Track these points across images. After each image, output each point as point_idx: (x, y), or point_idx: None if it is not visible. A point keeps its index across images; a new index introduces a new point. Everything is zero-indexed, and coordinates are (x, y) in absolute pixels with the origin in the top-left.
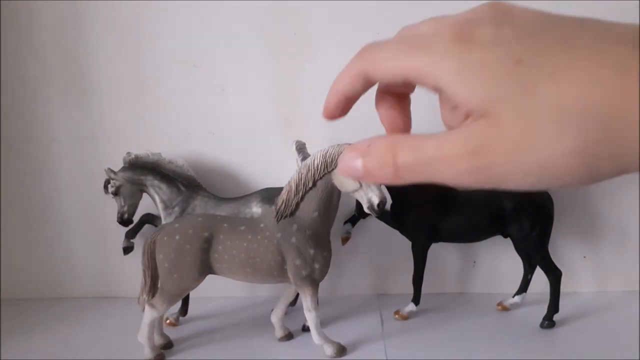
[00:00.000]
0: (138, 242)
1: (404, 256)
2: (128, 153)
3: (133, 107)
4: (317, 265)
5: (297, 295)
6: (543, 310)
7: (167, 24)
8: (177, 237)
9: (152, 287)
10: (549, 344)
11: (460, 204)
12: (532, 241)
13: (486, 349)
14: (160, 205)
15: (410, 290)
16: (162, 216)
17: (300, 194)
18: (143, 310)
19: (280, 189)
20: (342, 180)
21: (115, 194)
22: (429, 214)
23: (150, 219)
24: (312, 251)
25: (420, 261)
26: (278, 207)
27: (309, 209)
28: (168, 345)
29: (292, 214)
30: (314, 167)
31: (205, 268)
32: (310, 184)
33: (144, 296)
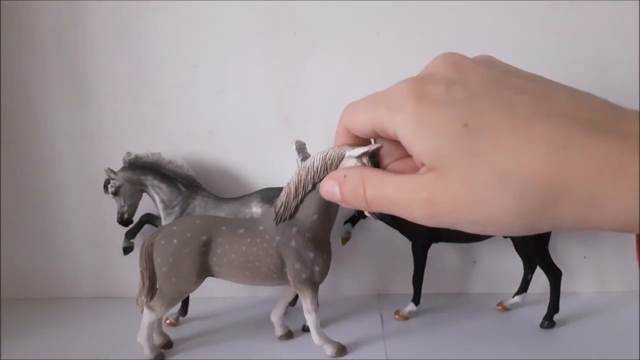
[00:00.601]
0: (138, 242)
1: (404, 256)
2: (128, 153)
3: (133, 107)
4: (317, 268)
5: (297, 295)
6: (543, 310)
7: (167, 23)
8: (174, 240)
9: (151, 288)
10: (549, 344)
11: None
12: (532, 241)
13: (486, 349)
14: (160, 205)
15: (410, 290)
16: (162, 216)
17: (300, 196)
18: (142, 311)
19: (280, 189)
20: None
21: (115, 194)
22: None
23: (150, 219)
24: (312, 254)
25: (420, 261)
26: (277, 210)
27: (309, 211)
28: (168, 344)
29: (292, 216)
30: (313, 170)
31: (204, 271)
32: (310, 187)
33: (143, 298)
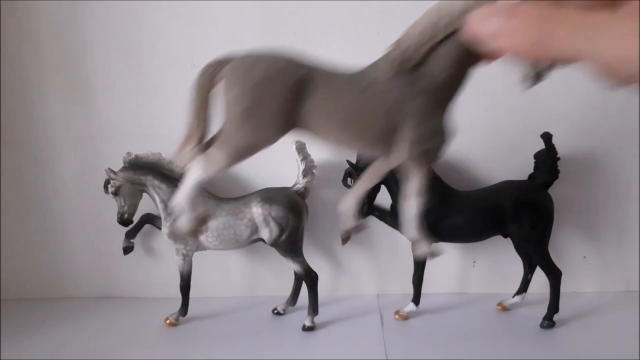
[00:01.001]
0: (138, 242)
1: (404, 256)
2: (128, 153)
3: (133, 107)
4: (440, 140)
5: (297, 294)
6: (543, 310)
7: (167, 24)
8: (261, 69)
9: (201, 137)
10: (549, 344)
11: (460, 204)
12: (532, 241)
13: (486, 349)
14: (160, 206)
15: (410, 290)
16: (162, 216)
17: (436, 40)
18: (184, 166)
19: (280, 189)
20: None
21: (115, 194)
22: (429, 214)
23: (150, 219)
24: (437, 121)
25: (420, 261)
26: (401, 53)
27: (442, 63)
28: (206, 219)
29: (417, 66)
30: (459, 9)
31: (292, 121)
32: (451, 30)
33: (191, 148)
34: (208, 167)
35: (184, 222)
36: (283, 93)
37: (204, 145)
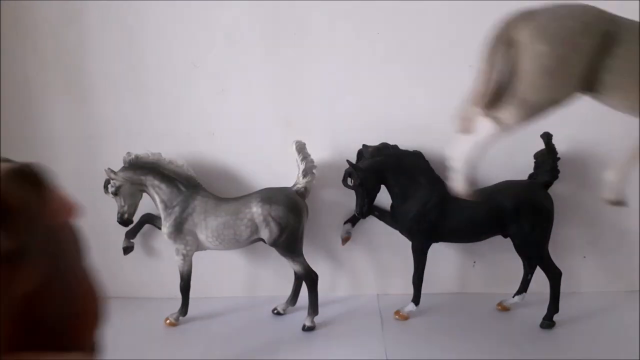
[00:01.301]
0: (138, 242)
1: (404, 256)
2: (128, 153)
3: (133, 107)
4: None
5: (297, 294)
6: (543, 310)
7: (167, 24)
8: (568, 27)
9: (486, 95)
10: (549, 344)
11: (460, 204)
12: (532, 241)
13: (486, 349)
14: (160, 206)
15: (410, 290)
16: (162, 216)
17: None
18: (469, 125)
19: (280, 189)
20: None
21: (115, 194)
22: (429, 214)
23: (150, 219)
24: None
25: (420, 261)
26: None
27: None
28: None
29: None
30: None
31: (588, 77)
32: None
33: (479, 104)
34: (498, 126)
35: (460, 182)
36: (588, 47)
37: (488, 102)
